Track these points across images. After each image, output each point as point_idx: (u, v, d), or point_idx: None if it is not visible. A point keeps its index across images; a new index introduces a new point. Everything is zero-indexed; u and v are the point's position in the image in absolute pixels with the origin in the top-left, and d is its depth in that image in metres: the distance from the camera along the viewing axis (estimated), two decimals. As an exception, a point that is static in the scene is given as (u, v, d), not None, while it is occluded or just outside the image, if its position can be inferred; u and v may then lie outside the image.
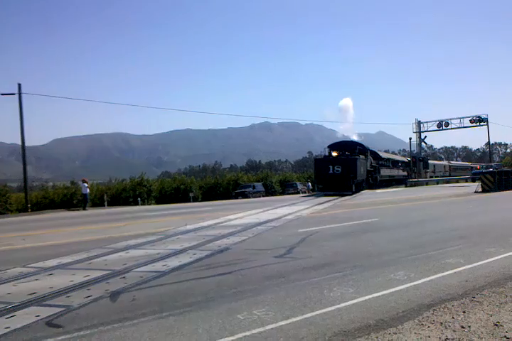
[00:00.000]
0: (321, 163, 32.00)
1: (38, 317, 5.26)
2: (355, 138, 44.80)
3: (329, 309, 5.30)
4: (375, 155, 42.31)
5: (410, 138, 57.59)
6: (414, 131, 58.81)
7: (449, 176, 64.51)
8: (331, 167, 30.42)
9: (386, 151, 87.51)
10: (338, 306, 5.39)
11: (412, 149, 58.97)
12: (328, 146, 35.76)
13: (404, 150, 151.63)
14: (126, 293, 6.26)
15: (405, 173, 54.73)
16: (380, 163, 44.25)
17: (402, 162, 56.23)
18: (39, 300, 5.98)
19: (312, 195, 31.37)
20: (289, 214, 17.20)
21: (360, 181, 32.71)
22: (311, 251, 9.05)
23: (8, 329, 4.89)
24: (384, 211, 17.98)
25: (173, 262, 8.30)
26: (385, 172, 45.87)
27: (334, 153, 32.75)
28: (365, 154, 36.01)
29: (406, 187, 46.79)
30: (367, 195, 29.26)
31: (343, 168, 30.19)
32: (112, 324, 4.99)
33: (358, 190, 31.95)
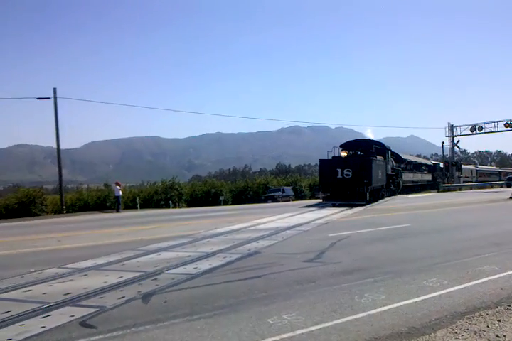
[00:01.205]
0: (326, 165, 25.32)
1: (73, 317, 5.39)
2: (371, 136, 35.29)
3: (360, 315, 5.26)
4: (396, 157, 38.14)
5: (443, 143, 56.51)
6: (447, 135, 57.60)
7: (477, 181, 62.65)
8: (339, 170, 24.06)
9: (418, 155, 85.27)
10: (369, 312, 5.34)
11: (445, 153, 57.85)
12: (341, 146, 29.22)
13: (436, 154, 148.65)
14: (158, 294, 6.36)
15: (430, 178, 52.00)
16: (402, 166, 39.80)
17: (426, 165, 52.94)
18: (74, 301, 6.12)
19: (315, 206, 24.67)
20: (319, 218, 17.11)
21: (377, 188, 26.76)
22: (341, 256, 8.99)
23: (43, 329, 5.02)
24: (416, 216, 17.69)
25: (204, 265, 8.38)
26: (407, 176, 41.33)
27: (343, 153, 26.31)
28: (385, 155, 29.98)
29: (438, 192, 45.86)
30: (397, 201, 28.79)
31: (354, 172, 23.85)
32: (144, 325, 5.07)
33: (375, 199, 26.20)
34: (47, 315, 5.54)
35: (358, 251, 9.74)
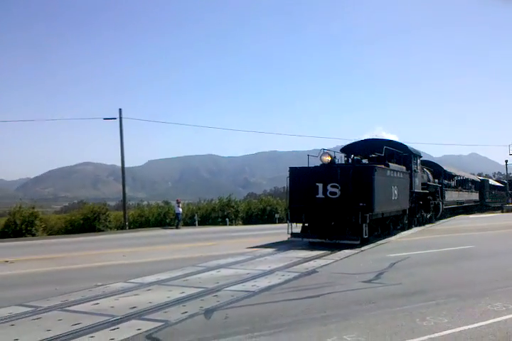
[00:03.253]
0: (300, 178, 15.47)
1: (139, 331, 5.64)
2: (395, 138, 22.95)
3: (422, 338, 5.18)
4: (435, 169, 28.65)
5: (506, 161, 54.14)
6: (511, 153, 55.14)
7: None
8: (319, 186, 14.73)
9: (479, 174, 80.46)
10: (431, 336, 5.25)
11: (509, 172, 55.30)
12: (341, 150, 19.94)
13: (499, 172, 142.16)
14: (220, 310, 6.55)
15: (477, 197, 43.94)
16: (445, 182, 30.03)
17: (473, 181, 43.50)
18: (139, 314, 6.40)
19: (273, 246, 14.64)
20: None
21: (390, 214, 16.86)
22: (401, 278, 8.86)
23: (113, 341, 5.28)
24: (480, 238, 17.06)
25: (263, 282, 8.52)
26: (451, 196, 31.38)
27: (326, 158, 15.35)
28: (408, 164, 19.45)
29: (502, 212, 43.62)
30: (458, 221, 27.74)
31: (343, 189, 14.43)
32: (207, 340, 5.25)
33: (384, 234, 16.60)
34: (115, 327, 5.82)
35: (418, 272, 9.55)
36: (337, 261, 11.30)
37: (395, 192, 16.78)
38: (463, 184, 38.29)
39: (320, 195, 14.73)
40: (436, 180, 27.41)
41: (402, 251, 12.81)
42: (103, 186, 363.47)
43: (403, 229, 18.92)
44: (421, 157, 21.89)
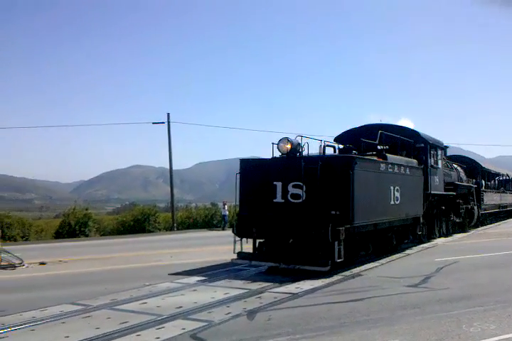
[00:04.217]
0: (253, 174, 11.07)
1: (184, 330, 5.79)
2: (410, 125, 16.44)
3: (467, 345, 5.08)
4: (469, 166, 23.88)
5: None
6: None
7: None
8: (278, 186, 10.45)
9: None
10: (478, 343, 5.14)
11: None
12: (335, 139, 15.26)
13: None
14: (262, 312, 6.62)
15: None
16: (483, 182, 24.95)
17: None
18: (185, 314, 6.57)
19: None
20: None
21: (384, 226, 11.92)
22: (448, 282, 8.64)
23: (158, 340, 5.44)
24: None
25: (306, 285, 8.54)
26: (492, 198, 26.20)
27: (285, 146, 10.77)
28: (421, 158, 14.76)
29: None
30: (510, 225, 26.58)
31: (310, 190, 10.02)
32: (249, 341, 5.33)
33: (381, 255, 12.33)
34: (161, 326, 5.99)
35: (466, 277, 9.29)
36: (383, 264, 11.13)
37: (397, 194, 12.34)
38: (506, 184, 32.96)
39: (278, 199, 10.53)
40: (474, 180, 22.93)
41: (451, 254, 12.47)
42: (152, 188, 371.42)
43: (421, 242, 15.29)
44: (443, 149, 17.15)
